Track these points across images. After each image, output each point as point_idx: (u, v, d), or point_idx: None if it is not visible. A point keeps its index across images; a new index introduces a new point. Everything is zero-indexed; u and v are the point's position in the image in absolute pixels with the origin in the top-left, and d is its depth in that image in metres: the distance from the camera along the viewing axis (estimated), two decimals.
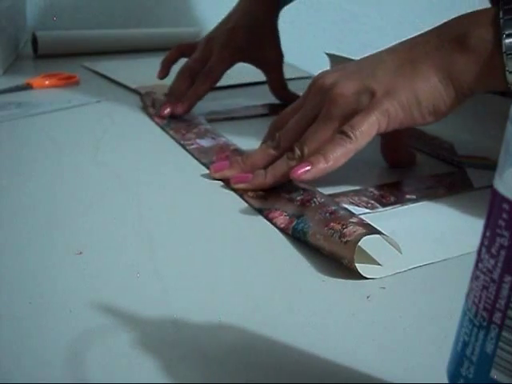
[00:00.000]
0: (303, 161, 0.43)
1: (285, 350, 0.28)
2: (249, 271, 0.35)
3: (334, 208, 0.39)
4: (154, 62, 0.96)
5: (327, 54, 0.77)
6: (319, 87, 0.46)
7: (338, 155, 0.42)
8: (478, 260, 0.21)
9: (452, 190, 0.47)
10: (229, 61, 0.68)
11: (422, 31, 0.45)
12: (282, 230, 0.40)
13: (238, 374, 0.26)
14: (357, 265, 0.34)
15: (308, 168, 0.42)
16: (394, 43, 0.48)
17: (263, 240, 0.39)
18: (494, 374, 0.20)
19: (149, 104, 0.68)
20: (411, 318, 0.31)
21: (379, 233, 0.35)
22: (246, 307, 0.31)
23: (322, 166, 0.42)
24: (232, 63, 0.68)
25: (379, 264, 0.35)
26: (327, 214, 0.38)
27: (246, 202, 0.44)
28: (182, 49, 0.73)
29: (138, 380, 0.26)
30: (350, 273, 0.35)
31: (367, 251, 0.36)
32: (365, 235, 0.34)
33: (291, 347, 0.28)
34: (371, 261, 0.35)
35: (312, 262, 0.36)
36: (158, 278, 0.34)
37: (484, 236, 0.21)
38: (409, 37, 0.46)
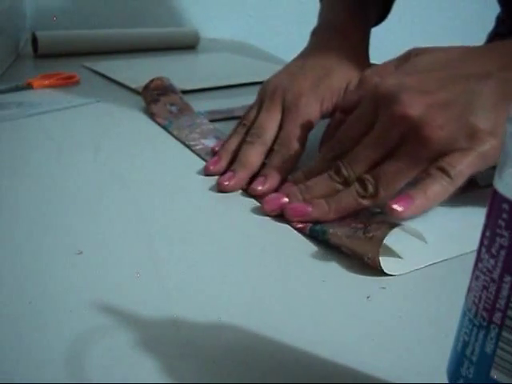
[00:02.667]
0: (403, 195, 0.38)
1: (285, 350, 0.28)
2: (248, 271, 0.35)
3: None
4: (154, 62, 0.96)
5: None
6: (401, 116, 0.38)
7: (438, 194, 0.38)
8: (478, 260, 0.21)
9: (459, 188, 0.47)
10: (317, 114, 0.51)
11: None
12: (299, 230, 0.40)
13: (238, 374, 0.26)
14: (380, 258, 0.34)
15: (409, 205, 0.37)
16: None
17: (264, 240, 0.39)
18: (494, 374, 0.20)
19: (150, 100, 0.66)
20: (411, 318, 0.31)
21: (402, 225, 0.36)
22: (245, 307, 0.31)
23: (422, 202, 0.37)
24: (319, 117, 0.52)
25: (400, 258, 0.36)
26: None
27: (260, 203, 0.44)
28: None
29: (138, 380, 0.26)
30: (350, 273, 0.35)
31: (390, 246, 0.36)
32: (390, 229, 0.35)
33: (291, 347, 0.28)
34: (390, 256, 0.36)
35: (312, 261, 0.36)
36: (159, 278, 0.34)
37: (484, 236, 0.21)
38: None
